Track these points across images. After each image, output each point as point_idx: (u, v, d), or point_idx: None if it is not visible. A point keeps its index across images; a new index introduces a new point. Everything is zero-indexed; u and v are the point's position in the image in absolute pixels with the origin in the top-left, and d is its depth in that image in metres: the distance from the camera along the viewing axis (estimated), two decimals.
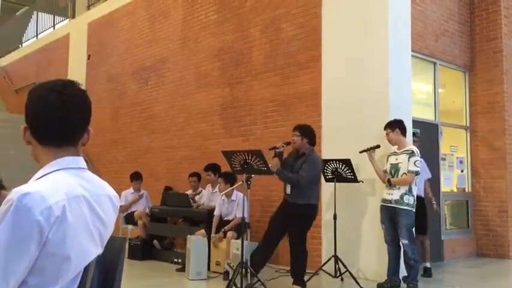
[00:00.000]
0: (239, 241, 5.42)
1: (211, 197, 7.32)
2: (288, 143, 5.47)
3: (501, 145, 7.89)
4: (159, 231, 7.67)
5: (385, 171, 5.65)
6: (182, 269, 6.40)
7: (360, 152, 5.81)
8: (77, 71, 11.90)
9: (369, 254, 6.04)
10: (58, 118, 1.44)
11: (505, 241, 7.74)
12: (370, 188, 6.09)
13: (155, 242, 7.56)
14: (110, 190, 1.56)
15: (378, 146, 5.79)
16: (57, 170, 1.42)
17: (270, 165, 5.25)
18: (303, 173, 5.23)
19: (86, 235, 1.40)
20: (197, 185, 7.74)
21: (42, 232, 1.27)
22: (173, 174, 8.97)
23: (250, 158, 5.17)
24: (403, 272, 5.56)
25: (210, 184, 7.42)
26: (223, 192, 6.49)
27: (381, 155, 5.90)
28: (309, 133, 5.44)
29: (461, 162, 8.20)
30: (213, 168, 7.31)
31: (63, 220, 1.31)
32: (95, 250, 1.45)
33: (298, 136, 5.41)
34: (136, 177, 8.42)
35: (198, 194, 7.69)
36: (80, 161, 1.49)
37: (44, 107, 1.43)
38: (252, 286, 5.18)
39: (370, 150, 5.76)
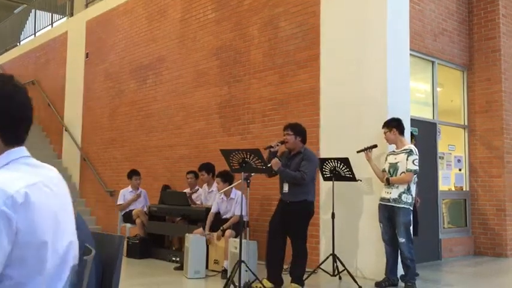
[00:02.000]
0: (237, 239, 5.42)
1: (207, 196, 7.33)
2: (283, 142, 5.47)
3: (499, 144, 7.91)
4: (157, 230, 7.67)
5: (383, 171, 5.66)
6: (180, 268, 6.40)
7: (357, 152, 5.82)
8: (75, 69, 11.89)
9: (367, 252, 6.04)
10: (29, 114, 1.48)
11: (502, 240, 7.75)
12: (368, 187, 6.09)
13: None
14: (57, 172, 1.57)
15: (375, 146, 5.79)
16: (8, 162, 1.43)
17: (271, 164, 5.25)
18: (305, 169, 5.23)
19: (55, 218, 1.40)
20: (194, 182, 7.74)
21: (9, 222, 1.27)
22: (171, 173, 8.97)
23: (248, 156, 5.17)
24: (401, 270, 5.57)
25: (206, 184, 7.43)
26: (222, 191, 6.49)
27: (378, 154, 5.90)
28: (301, 131, 5.43)
29: (459, 161, 8.21)
30: (206, 168, 7.32)
31: (28, 206, 1.31)
32: (69, 234, 1.45)
33: (292, 135, 5.39)
34: (135, 173, 8.42)
35: (195, 192, 7.69)
36: (24, 150, 1.49)
37: (20, 103, 1.45)
38: (249, 285, 5.18)
39: (367, 150, 5.76)
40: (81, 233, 1.53)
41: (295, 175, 5.25)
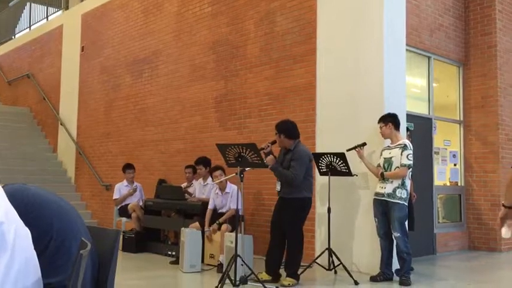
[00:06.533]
0: (233, 234, 5.43)
1: (202, 189, 7.34)
2: (274, 142, 5.52)
3: (494, 139, 7.94)
4: (153, 224, 7.67)
5: (378, 166, 5.67)
6: (176, 262, 6.42)
7: (347, 151, 5.81)
8: (70, 63, 11.83)
9: (362, 247, 6.07)
10: None
11: (497, 235, 7.79)
12: (364, 182, 6.11)
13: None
14: None
15: (364, 144, 5.80)
16: None
17: (266, 161, 5.30)
18: (294, 170, 5.27)
19: None
20: (192, 177, 7.74)
21: None
22: (167, 167, 8.96)
23: (244, 151, 5.18)
24: (395, 265, 5.60)
25: (201, 178, 7.43)
26: (217, 181, 6.48)
27: (371, 151, 5.93)
28: (285, 129, 5.46)
29: (454, 156, 8.24)
30: (203, 162, 7.32)
31: None
32: None
33: (276, 134, 5.49)
34: (128, 166, 8.42)
35: (190, 186, 7.68)
36: None
37: None
38: (245, 279, 5.20)
39: (357, 148, 5.77)
40: (76, 227, 1.53)
41: (286, 174, 5.30)
